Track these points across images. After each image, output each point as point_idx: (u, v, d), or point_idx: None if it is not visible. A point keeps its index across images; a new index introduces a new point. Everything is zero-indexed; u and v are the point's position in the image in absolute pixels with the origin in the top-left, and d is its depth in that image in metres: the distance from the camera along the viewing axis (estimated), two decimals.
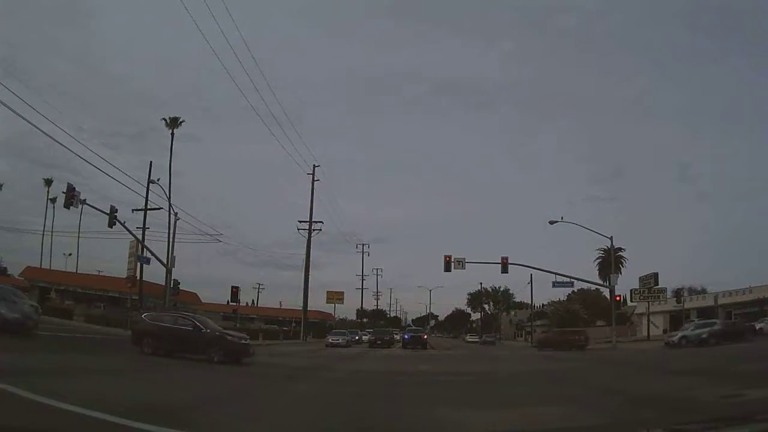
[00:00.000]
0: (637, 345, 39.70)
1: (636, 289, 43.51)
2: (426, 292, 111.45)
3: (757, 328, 35.69)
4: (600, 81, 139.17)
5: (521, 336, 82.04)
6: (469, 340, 74.31)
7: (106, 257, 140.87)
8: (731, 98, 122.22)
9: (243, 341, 18.62)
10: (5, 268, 61.18)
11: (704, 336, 30.20)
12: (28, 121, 21.48)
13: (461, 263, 40.71)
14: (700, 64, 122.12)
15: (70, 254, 70.70)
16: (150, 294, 44.12)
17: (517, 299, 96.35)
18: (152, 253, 35.89)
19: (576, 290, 63.67)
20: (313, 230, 42.82)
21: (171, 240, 34.87)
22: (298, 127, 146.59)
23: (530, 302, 74.12)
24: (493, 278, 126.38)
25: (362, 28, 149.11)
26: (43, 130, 23.45)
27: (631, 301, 51.53)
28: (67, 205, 28.62)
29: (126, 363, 15.01)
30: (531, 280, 65.85)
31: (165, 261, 34.31)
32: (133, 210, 40.66)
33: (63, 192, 29.31)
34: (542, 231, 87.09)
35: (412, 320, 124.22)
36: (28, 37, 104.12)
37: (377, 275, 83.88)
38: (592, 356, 28.57)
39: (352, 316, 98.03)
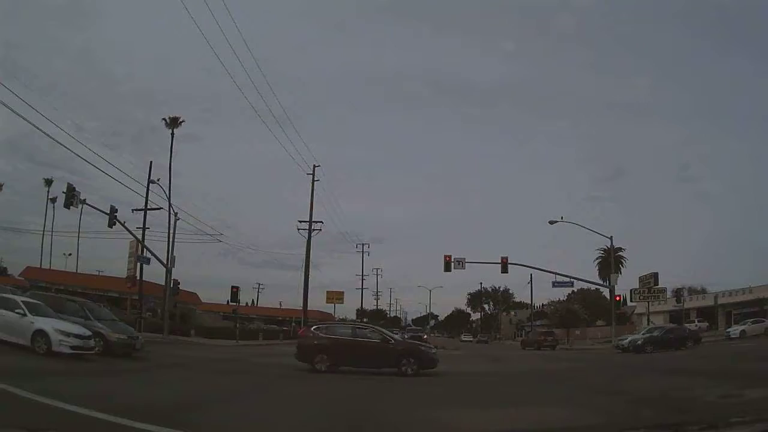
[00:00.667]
0: None
1: (636, 289, 43.45)
2: (426, 292, 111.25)
3: (740, 330, 36.02)
4: (600, 81, 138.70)
5: (521, 336, 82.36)
6: (464, 339, 77.24)
7: (106, 257, 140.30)
8: (731, 98, 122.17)
9: (433, 351, 17.91)
10: (5, 268, 60.97)
11: (639, 342, 30.12)
12: (29, 122, 21.52)
13: (461, 263, 40.78)
14: (700, 64, 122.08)
15: (70, 254, 70.52)
16: (150, 294, 44.16)
17: (517, 299, 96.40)
18: (152, 253, 35.93)
19: (576, 290, 63.87)
20: (313, 230, 42.71)
21: (171, 240, 34.96)
22: (298, 127, 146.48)
23: (530, 302, 74.43)
24: (493, 278, 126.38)
25: (362, 28, 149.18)
26: (44, 131, 23.46)
27: (631, 300, 51.50)
28: (67, 205, 28.65)
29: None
30: (531, 280, 66.23)
31: (165, 261, 34.34)
32: (133, 210, 40.60)
33: (63, 192, 29.32)
34: (542, 231, 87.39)
35: (412, 320, 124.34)
36: (29, 38, 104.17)
37: (377, 275, 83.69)
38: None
39: (352, 316, 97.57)
